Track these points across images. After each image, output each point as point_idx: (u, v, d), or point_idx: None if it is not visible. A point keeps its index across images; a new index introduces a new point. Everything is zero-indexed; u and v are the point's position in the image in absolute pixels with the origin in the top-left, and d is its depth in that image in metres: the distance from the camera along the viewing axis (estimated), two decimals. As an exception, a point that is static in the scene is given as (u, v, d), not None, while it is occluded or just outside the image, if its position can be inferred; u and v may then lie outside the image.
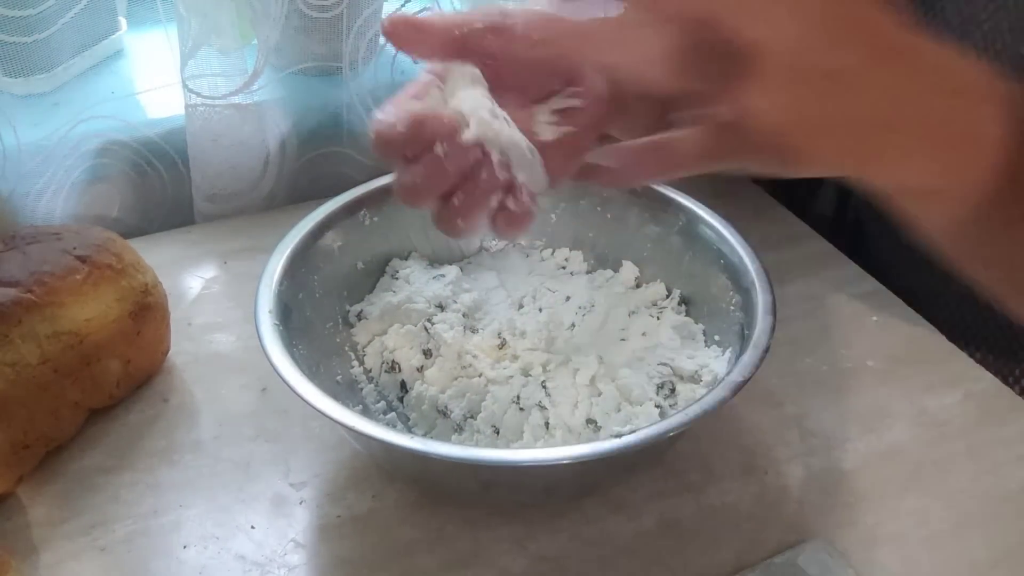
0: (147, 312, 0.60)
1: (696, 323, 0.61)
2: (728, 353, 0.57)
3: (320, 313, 0.59)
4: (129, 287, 0.59)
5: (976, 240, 0.44)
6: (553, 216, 0.67)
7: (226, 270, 0.73)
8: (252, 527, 0.53)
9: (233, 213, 0.79)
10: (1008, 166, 0.40)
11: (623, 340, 0.59)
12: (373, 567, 0.51)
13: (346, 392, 0.57)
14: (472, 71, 0.44)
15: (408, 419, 0.57)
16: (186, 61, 0.71)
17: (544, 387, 0.56)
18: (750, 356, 0.51)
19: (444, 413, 0.56)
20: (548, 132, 0.45)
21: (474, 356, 0.58)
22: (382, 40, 0.81)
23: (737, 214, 0.61)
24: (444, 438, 0.55)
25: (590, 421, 0.55)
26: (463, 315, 0.61)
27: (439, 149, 0.41)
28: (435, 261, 0.66)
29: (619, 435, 0.48)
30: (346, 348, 0.60)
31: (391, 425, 0.56)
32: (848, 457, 0.58)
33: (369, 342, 0.60)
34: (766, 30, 0.37)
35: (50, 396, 0.55)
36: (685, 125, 0.40)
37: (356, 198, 0.63)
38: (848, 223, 0.85)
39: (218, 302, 0.70)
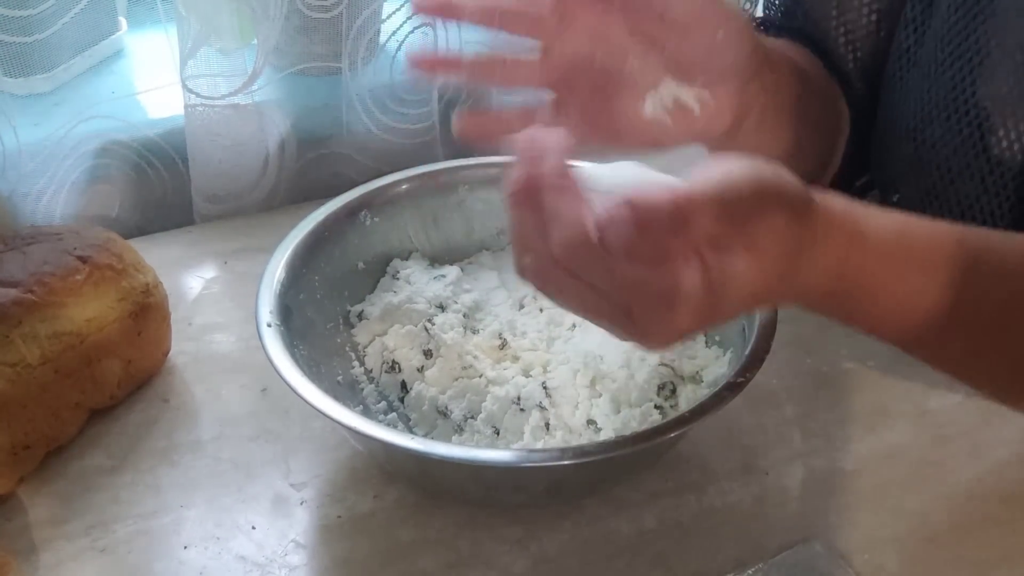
0: (148, 312, 0.60)
1: (696, 323, 0.61)
2: (729, 354, 0.57)
3: (321, 313, 0.59)
4: (130, 287, 0.59)
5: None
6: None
7: (226, 270, 0.73)
8: (253, 527, 0.53)
9: (233, 213, 0.79)
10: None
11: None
12: (374, 567, 0.51)
13: (347, 392, 0.57)
14: None
15: (409, 419, 0.57)
16: (186, 61, 0.71)
17: (544, 388, 0.56)
18: (750, 356, 0.51)
19: (444, 413, 0.56)
20: None
21: (474, 356, 0.58)
22: (382, 40, 0.81)
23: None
24: (444, 438, 0.55)
25: (590, 422, 0.55)
26: (464, 315, 0.61)
27: None
28: (436, 261, 0.66)
29: (620, 436, 0.48)
30: (347, 348, 0.60)
31: (392, 425, 0.56)
32: (849, 458, 0.58)
33: (370, 342, 0.60)
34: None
35: (51, 396, 0.55)
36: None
37: (356, 198, 0.63)
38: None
39: (218, 302, 0.70)
